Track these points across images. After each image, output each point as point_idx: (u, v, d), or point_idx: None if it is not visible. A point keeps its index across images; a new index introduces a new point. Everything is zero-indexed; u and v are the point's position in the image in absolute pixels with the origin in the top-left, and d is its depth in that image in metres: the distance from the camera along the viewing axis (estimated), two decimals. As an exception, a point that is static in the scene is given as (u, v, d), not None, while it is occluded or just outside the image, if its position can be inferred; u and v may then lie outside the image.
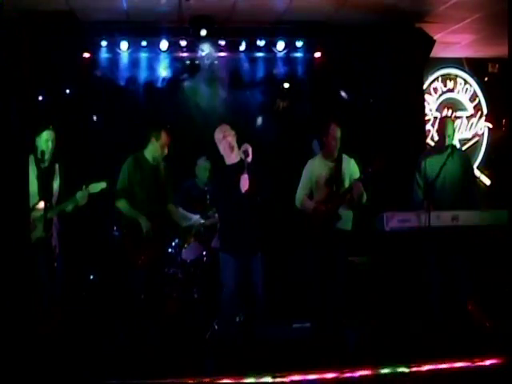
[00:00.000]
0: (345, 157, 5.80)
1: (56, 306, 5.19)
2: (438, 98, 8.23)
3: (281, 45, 6.85)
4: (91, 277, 6.64)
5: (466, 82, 8.31)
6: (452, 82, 8.28)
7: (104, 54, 6.72)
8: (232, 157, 5.08)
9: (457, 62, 8.24)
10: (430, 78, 8.14)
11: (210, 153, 6.11)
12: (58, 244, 5.32)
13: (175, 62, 6.94)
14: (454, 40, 7.42)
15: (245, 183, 4.84)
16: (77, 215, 5.44)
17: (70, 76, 6.73)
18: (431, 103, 8.16)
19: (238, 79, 7.15)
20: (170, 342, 5.54)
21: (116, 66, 6.77)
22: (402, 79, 7.03)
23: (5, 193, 3.70)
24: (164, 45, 6.65)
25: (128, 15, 6.45)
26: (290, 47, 6.91)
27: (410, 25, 6.83)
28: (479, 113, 8.35)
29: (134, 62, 6.84)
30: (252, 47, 6.89)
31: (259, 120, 7.00)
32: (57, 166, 5.39)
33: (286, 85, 7.30)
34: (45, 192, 5.14)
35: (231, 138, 5.05)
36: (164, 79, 7.00)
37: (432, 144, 7.70)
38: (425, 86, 7.93)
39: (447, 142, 5.70)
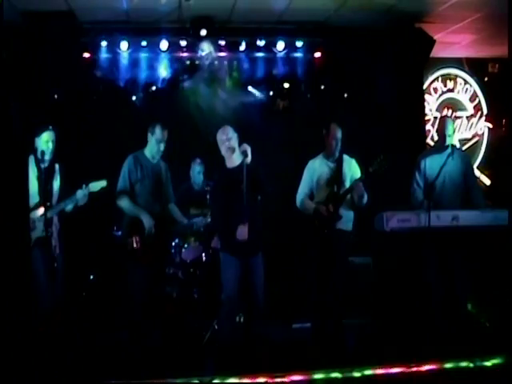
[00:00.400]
0: (345, 157, 5.80)
1: (56, 306, 5.18)
2: (438, 98, 8.24)
3: (281, 45, 6.85)
4: (91, 277, 6.64)
5: (466, 81, 8.32)
6: (452, 81, 8.28)
7: (104, 54, 6.72)
8: (232, 159, 5.09)
9: (457, 62, 8.25)
10: (430, 78, 8.15)
11: (207, 155, 6.13)
12: (58, 244, 5.31)
13: (175, 62, 6.94)
14: (454, 40, 7.42)
15: (243, 233, 4.88)
16: (77, 215, 5.44)
17: (70, 76, 6.72)
18: (431, 103, 8.16)
19: (238, 79, 7.15)
20: (170, 342, 5.54)
21: (116, 66, 6.77)
22: (402, 79, 7.04)
23: (5, 193, 3.69)
24: (164, 45, 6.65)
25: (128, 15, 6.45)
26: (290, 47, 6.91)
27: (410, 25, 6.83)
28: (479, 113, 8.36)
29: (134, 62, 6.83)
30: (252, 47, 6.89)
31: (259, 120, 6.99)
32: (57, 166, 5.39)
33: (286, 85, 7.30)
34: (45, 192, 5.13)
35: (233, 141, 5.06)
36: (164, 79, 6.99)
37: (432, 144, 7.72)
38: (425, 86, 7.94)
39: (447, 141, 5.69)
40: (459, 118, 8.26)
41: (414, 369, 4.47)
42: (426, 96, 7.98)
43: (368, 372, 4.43)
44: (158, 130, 5.46)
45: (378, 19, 6.62)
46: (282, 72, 7.09)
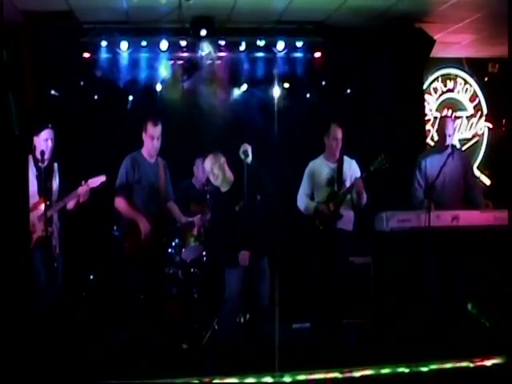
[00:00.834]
0: (346, 158, 5.81)
1: (56, 305, 5.18)
2: (438, 98, 8.24)
3: (281, 45, 6.84)
4: (91, 277, 6.64)
5: (466, 81, 8.31)
6: (452, 82, 8.28)
7: (104, 54, 6.71)
8: (223, 186, 5.14)
9: (457, 62, 8.25)
10: (430, 78, 8.15)
11: (207, 154, 6.10)
12: (58, 243, 5.31)
13: (175, 61, 6.94)
14: (454, 40, 7.42)
15: (245, 258, 4.91)
16: (77, 215, 5.44)
17: (70, 76, 6.72)
18: (431, 103, 8.16)
19: (238, 79, 7.15)
20: (170, 342, 5.54)
21: (116, 66, 6.76)
22: (402, 79, 7.03)
23: (5, 193, 3.69)
24: (164, 45, 6.64)
25: (128, 15, 6.45)
26: (290, 47, 6.90)
27: (409, 25, 6.83)
28: (479, 113, 8.35)
29: (134, 62, 6.83)
30: (252, 47, 6.88)
31: (259, 120, 6.99)
32: (55, 164, 5.39)
33: (286, 85, 7.30)
34: (44, 191, 5.13)
35: (218, 170, 5.08)
36: (164, 79, 6.99)
37: (432, 144, 7.71)
38: (425, 86, 7.93)
39: (447, 141, 5.70)
40: (459, 118, 8.26)
41: (414, 369, 4.46)
42: (426, 96, 7.98)
43: (368, 372, 4.43)
44: (149, 127, 5.44)
45: (378, 19, 6.62)
46: (281, 72, 7.09)
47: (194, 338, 5.73)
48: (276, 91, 7.26)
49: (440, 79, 8.23)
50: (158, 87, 7.06)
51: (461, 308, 5.65)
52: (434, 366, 4.48)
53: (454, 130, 5.83)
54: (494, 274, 6.15)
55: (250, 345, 5.05)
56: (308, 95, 7.38)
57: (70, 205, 5.28)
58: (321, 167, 5.86)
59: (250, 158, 4.92)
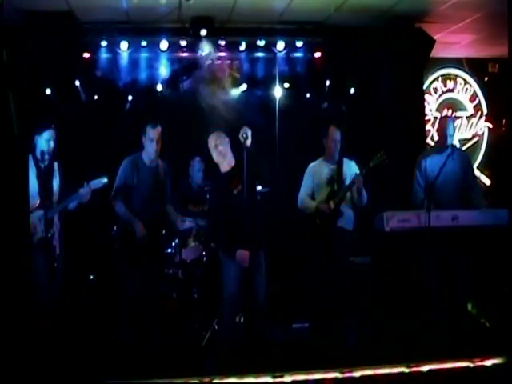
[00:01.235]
0: (345, 159, 5.82)
1: (56, 305, 5.18)
2: (438, 98, 8.24)
3: (281, 45, 6.84)
4: (91, 277, 6.64)
5: (466, 81, 8.32)
6: (452, 81, 8.28)
7: (104, 54, 6.72)
8: (224, 165, 5.10)
9: (457, 62, 8.25)
10: (430, 78, 8.15)
11: (206, 154, 6.11)
12: (59, 244, 5.31)
13: (175, 62, 6.94)
14: (454, 40, 7.42)
15: (246, 259, 4.88)
16: (77, 215, 5.44)
17: (70, 76, 6.72)
18: (431, 103, 8.16)
19: (238, 79, 7.15)
20: (170, 342, 5.54)
21: (116, 66, 6.77)
22: (402, 79, 7.03)
23: (4, 193, 3.69)
24: (164, 45, 6.64)
25: (128, 15, 6.45)
26: (290, 47, 6.91)
27: (410, 25, 6.83)
28: (479, 113, 8.36)
29: (134, 62, 6.83)
30: (252, 47, 6.89)
31: (259, 120, 6.98)
32: (56, 164, 5.38)
33: (286, 85, 7.30)
34: (45, 192, 5.13)
35: (222, 148, 5.06)
36: (164, 79, 7.00)
37: (432, 144, 7.71)
38: (425, 86, 7.93)
39: (448, 141, 5.70)
40: (459, 118, 8.25)
41: (414, 369, 4.46)
42: (426, 96, 7.98)
43: (368, 372, 4.43)
44: (148, 130, 5.45)
45: (378, 19, 6.62)
46: (281, 72, 7.09)
47: (194, 338, 5.73)
48: (276, 91, 7.27)
49: (440, 79, 8.23)
50: (158, 87, 7.07)
51: (461, 308, 5.64)
52: (433, 366, 4.48)
53: (454, 130, 5.83)
54: (494, 274, 6.14)
55: (249, 345, 5.04)
56: (308, 95, 7.38)
57: (72, 205, 5.28)
58: (321, 168, 5.89)
59: (249, 141, 4.88)
